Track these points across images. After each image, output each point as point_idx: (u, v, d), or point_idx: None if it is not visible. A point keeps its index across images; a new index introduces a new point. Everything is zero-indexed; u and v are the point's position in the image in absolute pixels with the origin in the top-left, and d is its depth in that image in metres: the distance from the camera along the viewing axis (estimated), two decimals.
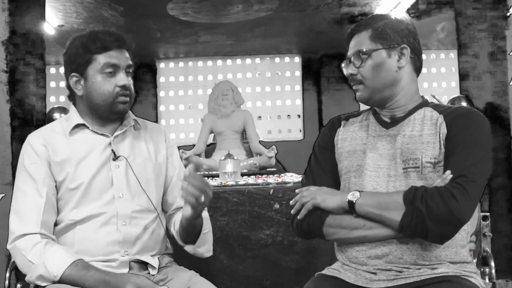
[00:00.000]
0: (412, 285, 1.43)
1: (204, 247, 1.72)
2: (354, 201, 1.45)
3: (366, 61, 1.52)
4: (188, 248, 1.71)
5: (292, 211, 1.55)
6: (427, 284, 1.42)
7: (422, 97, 1.60)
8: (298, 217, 1.53)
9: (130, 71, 1.67)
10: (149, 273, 1.63)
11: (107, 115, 1.66)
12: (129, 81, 1.65)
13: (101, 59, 1.61)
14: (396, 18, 1.58)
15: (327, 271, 1.58)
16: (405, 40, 1.52)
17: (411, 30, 1.55)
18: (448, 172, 1.39)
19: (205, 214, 1.72)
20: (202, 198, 1.53)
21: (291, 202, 1.56)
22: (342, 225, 1.48)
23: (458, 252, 1.47)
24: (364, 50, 1.52)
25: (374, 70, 1.52)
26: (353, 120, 1.65)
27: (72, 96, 1.70)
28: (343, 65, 1.59)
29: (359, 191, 1.47)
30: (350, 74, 1.56)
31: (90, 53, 1.61)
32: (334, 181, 1.60)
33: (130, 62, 1.66)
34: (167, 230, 1.77)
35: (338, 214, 1.49)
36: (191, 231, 1.66)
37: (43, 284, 1.51)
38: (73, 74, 1.64)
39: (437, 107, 1.55)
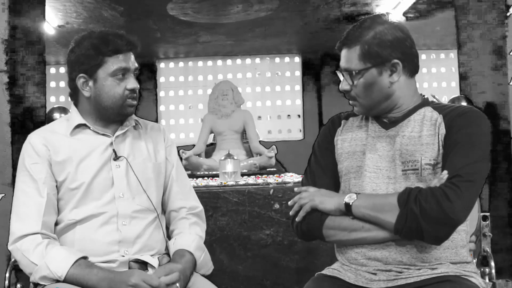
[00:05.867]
0: (412, 285, 1.42)
1: (204, 269, 1.71)
2: (350, 203, 1.45)
3: (357, 81, 1.49)
4: None
5: (291, 213, 1.55)
6: (427, 284, 1.42)
7: (423, 96, 1.58)
8: (297, 219, 1.53)
9: (136, 72, 1.67)
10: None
11: (114, 117, 1.66)
12: (137, 84, 1.65)
13: (113, 62, 1.61)
14: (384, 25, 1.49)
15: (327, 271, 1.58)
16: (394, 54, 1.47)
17: (401, 38, 1.48)
18: (445, 172, 1.39)
19: (195, 242, 1.69)
20: None
21: (289, 203, 1.56)
22: (341, 227, 1.48)
23: (458, 253, 1.47)
24: (354, 72, 1.49)
25: (366, 89, 1.50)
26: (353, 119, 1.64)
27: (74, 96, 1.69)
28: (338, 73, 1.56)
29: (356, 193, 1.47)
30: (344, 90, 1.54)
31: (102, 56, 1.60)
32: (334, 182, 1.59)
33: (137, 65, 1.66)
34: (167, 230, 1.77)
35: (337, 216, 1.49)
36: None
37: (48, 283, 1.51)
38: (82, 75, 1.63)
39: (438, 107, 1.53)
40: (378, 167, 1.50)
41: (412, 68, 1.52)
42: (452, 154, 1.41)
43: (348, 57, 1.51)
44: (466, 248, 1.51)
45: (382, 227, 1.42)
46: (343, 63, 1.53)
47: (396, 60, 1.47)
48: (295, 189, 1.57)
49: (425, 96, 1.59)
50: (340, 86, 1.55)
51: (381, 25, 1.49)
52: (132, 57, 1.65)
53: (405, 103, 1.53)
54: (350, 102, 1.56)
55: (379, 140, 1.54)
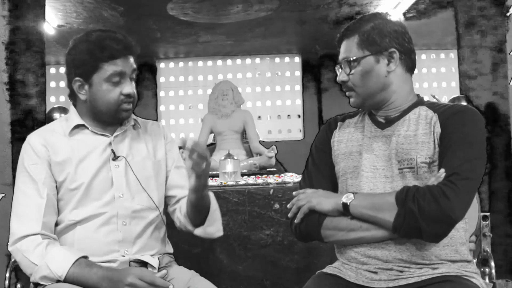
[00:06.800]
0: (413, 285, 1.42)
1: (214, 226, 1.71)
2: (348, 203, 1.45)
3: (355, 69, 1.52)
4: (198, 231, 1.70)
5: (289, 215, 1.56)
6: (428, 284, 1.42)
7: (418, 95, 1.58)
8: (295, 221, 1.53)
9: (134, 75, 1.66)
10: None
11: (110, 120, 1.66)
12: (133, 88, 1.64)
13: (108, 68, 1.59)
14: (383, 19, 1.54)
15: (327, 269, 1.58)
16: (393, 43, 1.50)
17: (399, 31, 1.52)
18: (442, 170, 1.39)
19: (210, 193, 1.71)
20: (204, 165, 1.54)
21: (288, 206, 1.56)
22: (339, 227, 1.48)
23: (458, 250, 1.47)
24: (352, 58, 1.51)
25: (364, 77, 1.52)
26: (349, 121, 1.65)
27: (72, 96, 1.69)
28: (336, 69, 1.59)
29: (353, 193, 1.47)
30: (341, 81, 1.56)
31: (97, 61, 1.59)
32: (331, 183, 1.60)
33: (135, 66, 1.64)
34: (173, 224, 1.77)
35: (335, 217, 1.49)
36: (200, 209, 1.66)
37: (48, 283, 1.51)
38: (77, 78, 1.62)
39: (432, 106, 1.54)
40: (375, 166, 1.51)
41: (409, 63, 1.54)
42: (449, 153, 1.41)
43: (347, 47, 1.54)
44: (466, 246, 1.51)
45: (380, 226, 1.43)
46: (342, 53, 1.56)
47: (393, 49, 1.50)
48: (293, 193, 1.58)
49: (420, 96, 1.59)
50: (338, 78, 1.57)
51: (380, 19, 1.54)
52: (130, 60, 1.63)
53: (401, 100, 1.54)
54: (347, 93, 1.58)
55: (375, 140, 1.54)
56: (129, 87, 1.62)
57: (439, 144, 1.45)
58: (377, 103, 1.55)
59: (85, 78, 1.61)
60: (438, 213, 1.34)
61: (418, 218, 1.35)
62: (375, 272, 1.47)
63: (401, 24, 1.55)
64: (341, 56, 1.56)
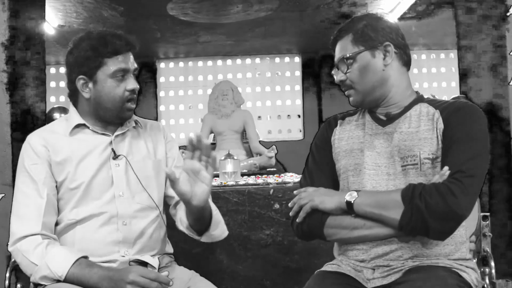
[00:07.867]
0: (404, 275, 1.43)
1: (218, 228, 1.68)
2: (352, 202, 1.45)
3: (352, 66, 1.53)
4: (204, 238, 1.66)
5: (291, 213, 1.55)
6: (413, 268, 1.42)
7: (417, 92, 1.59)
8: (297, 220, 1.53)
9: (136, 73, 1.67)
10: None
11: (112, 119, 1.66)
12: (137, 84, 1.65)
13: (112, 63, 1.60)
14: (375, 17, 1.57)
15: (326, 267, 1.58)
16: (387, 37, 1.52)
17: (393, 27, 1.55)
18: (446, 168, 1.39)
19: (211, 201, 1.68)
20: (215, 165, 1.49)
21: (289, 204, 1.56)
22: (343, 225, 1.48)
23: (457, 249, 1.48)
24: (348, 55, 1.52)
25: (361, 73, 1.52)
26: (349, 119, 1.65)
27: (73, 97, 1.69)
28: (333, 72, 1.59)
29: (356, 191, 1.47)
30: (340, 81, 1.56)
31: (100, 57, 1.60)
32: (332, 181, 1.60)
33: (136, 65, 1.66)
34: (173, 224, 1.76)
35: (338, 215, 1.48)
36: (203, 218, 1.61)
37: (48, 283, 1.51)
38: (81, 76, 1.63)
39: (433, 102, 1.54)
40: (377, 164, 1.51)
41: (404, 57, 1.55)
42: (453, 150, 1.42)
43: (342, 46, 1.55)
44: (466, 245, 1.52)
45: (385, 224, 1.43)
46: (337, 54, 1.57)
47: (387, 42, 1.51)
48: (295, 191, 1.57)
49: (420, 93, 1.60)
50: (335, 78, 1.58)
51: (372, 17, 1.57)
52: (131, 57, 1.65)
53: (400, 95, 1.55)
54: (346, 92, 1.58)
55: (376, 137, 1.55)
56: (133, 83, 1.64)
57: (442, 140, 1.45)
58: (377, 99, 1.55)
59: (89, 76, 1.62)
60: (445, 211, 1.34)
61: (426, 216, 1.35)
62: (373, 270, 1.47)
63: (393, 22, 1.57)
64: (336, 57, 1.57)
